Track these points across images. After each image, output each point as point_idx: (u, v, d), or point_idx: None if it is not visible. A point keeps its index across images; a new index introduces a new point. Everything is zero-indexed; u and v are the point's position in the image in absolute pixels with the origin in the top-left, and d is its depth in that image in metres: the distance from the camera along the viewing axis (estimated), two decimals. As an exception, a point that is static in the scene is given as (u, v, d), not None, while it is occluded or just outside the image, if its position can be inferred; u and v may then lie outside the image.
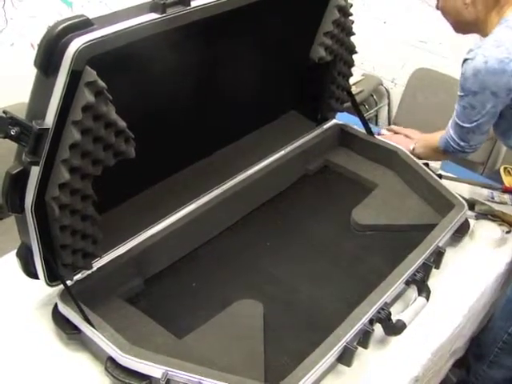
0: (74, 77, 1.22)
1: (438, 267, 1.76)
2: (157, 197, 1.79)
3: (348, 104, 2.27)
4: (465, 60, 1.64)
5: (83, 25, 1.22)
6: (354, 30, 2.02)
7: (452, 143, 1.84)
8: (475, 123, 1.74)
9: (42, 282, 1.48)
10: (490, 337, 1.93)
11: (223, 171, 1.94)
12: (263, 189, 2.02)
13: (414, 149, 2.10)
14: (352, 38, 2.04)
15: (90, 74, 1.23)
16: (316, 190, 2.15)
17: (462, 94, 1.70)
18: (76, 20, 1.21)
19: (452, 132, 1.82)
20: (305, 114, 2.26)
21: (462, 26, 1.79)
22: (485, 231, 1.93)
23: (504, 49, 1.57)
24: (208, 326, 1.56)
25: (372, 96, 3.81)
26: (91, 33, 1.21)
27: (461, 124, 1.77)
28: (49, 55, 1.20)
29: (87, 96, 1.24)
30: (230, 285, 1.73)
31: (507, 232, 1.98)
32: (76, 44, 1.19)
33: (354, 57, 2.12)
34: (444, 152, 1.92)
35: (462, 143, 1.82)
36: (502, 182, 2.17)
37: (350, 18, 1.98)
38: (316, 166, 2.21)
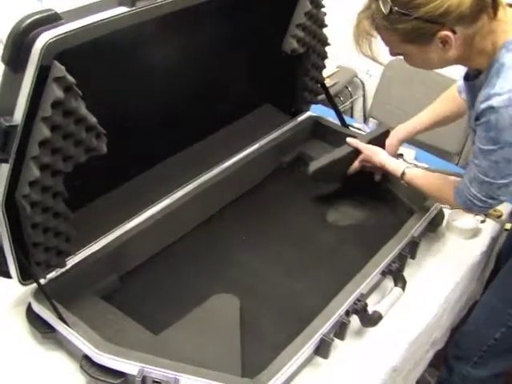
0: (43, 72, 1.20)
1: (413, 257, 1.77)
2: (131, 192, 1.77)
3: (323, 96, 2.27)
4: (493, 108, 1.37)
5: (51, 19, 1.20)
6: (327, 21, 2.01)
7: (477, 202, 1.55)
8: (510, 177, 1.47)
9: (15, 280, 1.47)
10: (474, 340, 1.90)
11: (198, 165, 1.93)
12: (238, 182, 2.02)
13: (404, 173, 1.80)
14: (326, 30, 2.04)
15: (59, 70, 1.22)
16: (291, 182, 2.14)
17: (493, 147, 1.42)
18: (43, 14, 1.19)
19: (475, 190, 1.53)
20: (279, 107, 2.26)
21: (443, 66, 1.49)
22: (459, 221, 1.94)
23: None
24: (184, 321, 1.56)
25: (347, 88, 3.81)
26: (59, 27, 1.20)
27: (490, 181, 1.48)
28: (16, 50, 1.18)
29: (56, 92, 1.23)
30: (206, 279, 1.73)
31: (482, 221, 1.99)
32: (43, 39, 1.17)
33: (329, 49, 2.12)
34: (464, 209, 1.66)
35: (490, 201, 1.54)
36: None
37: (323, 9, 1.98)
38: (290, 158, 2.21)
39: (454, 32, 1.36)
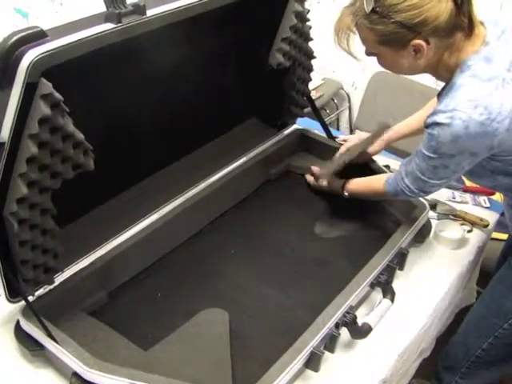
0: (30, 89, 1.20)
1: (401, 269, 1.77)
2: (119, 208, 1.77)
3: (309, 109, 2.28)
4: (437, 124, 1.44)
5: (37, 36, 1.20)
6: (312, 35, 2.02)
7: (407, 192, 1.67)
8: (445, 179, 1.59)
9: (2, 298, 1.46)
10: (462, 351, 1.93)
11: (185, 180, 1.93)
12: (226, 196, 2.02)
13: (344, 186, 1.93)
14: (311, 43, 2.05)
15: (46, 86, 1.22)
16: (279, 195, 2.15)
17: (433, 155, 1.51)
18: (29, 31, 1.19)
19: (409, 182, 1.64)
20: (265, 121, 2.26)
21: (412, 73, 1.56)
22: (447, 231, 1.95)
23: (483, 109, 1.39)
24: (173, 336, 1.55)
25: (333, 100, 3.82)
26: (45, 44, 1.20)
27: (425, 179, 1.59)
28: (2, 68, 1.18)
29: (43, 109, 1.23)
30: (194, 294, 1.72)
31: (469, 231, 2.00)
32: (30, 56, 1.17)
33: (314, 61, 2.13)
34: (393, 196, 1.77)
35: (420, 193, 1.67)
36: (462, 182, 2.20)
37: (308, 23, 1.99)
38: (278, 171, 2.22)
39: (427, 42, 1.41)
